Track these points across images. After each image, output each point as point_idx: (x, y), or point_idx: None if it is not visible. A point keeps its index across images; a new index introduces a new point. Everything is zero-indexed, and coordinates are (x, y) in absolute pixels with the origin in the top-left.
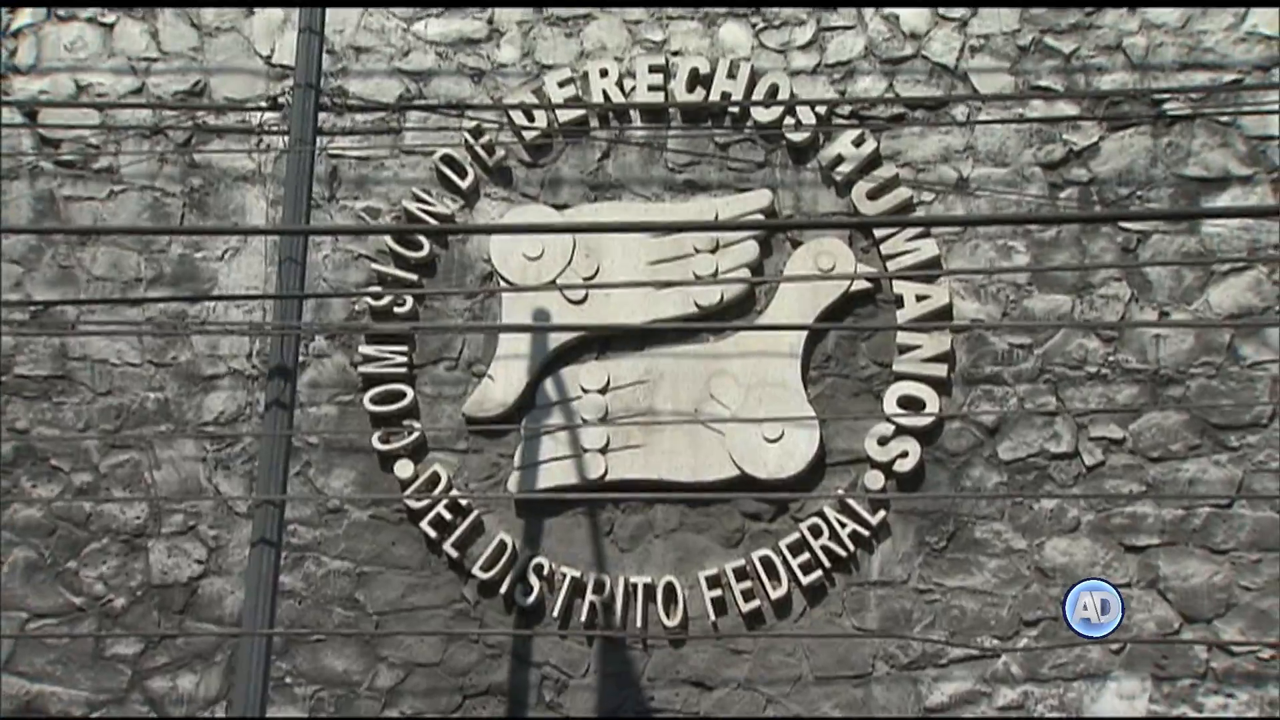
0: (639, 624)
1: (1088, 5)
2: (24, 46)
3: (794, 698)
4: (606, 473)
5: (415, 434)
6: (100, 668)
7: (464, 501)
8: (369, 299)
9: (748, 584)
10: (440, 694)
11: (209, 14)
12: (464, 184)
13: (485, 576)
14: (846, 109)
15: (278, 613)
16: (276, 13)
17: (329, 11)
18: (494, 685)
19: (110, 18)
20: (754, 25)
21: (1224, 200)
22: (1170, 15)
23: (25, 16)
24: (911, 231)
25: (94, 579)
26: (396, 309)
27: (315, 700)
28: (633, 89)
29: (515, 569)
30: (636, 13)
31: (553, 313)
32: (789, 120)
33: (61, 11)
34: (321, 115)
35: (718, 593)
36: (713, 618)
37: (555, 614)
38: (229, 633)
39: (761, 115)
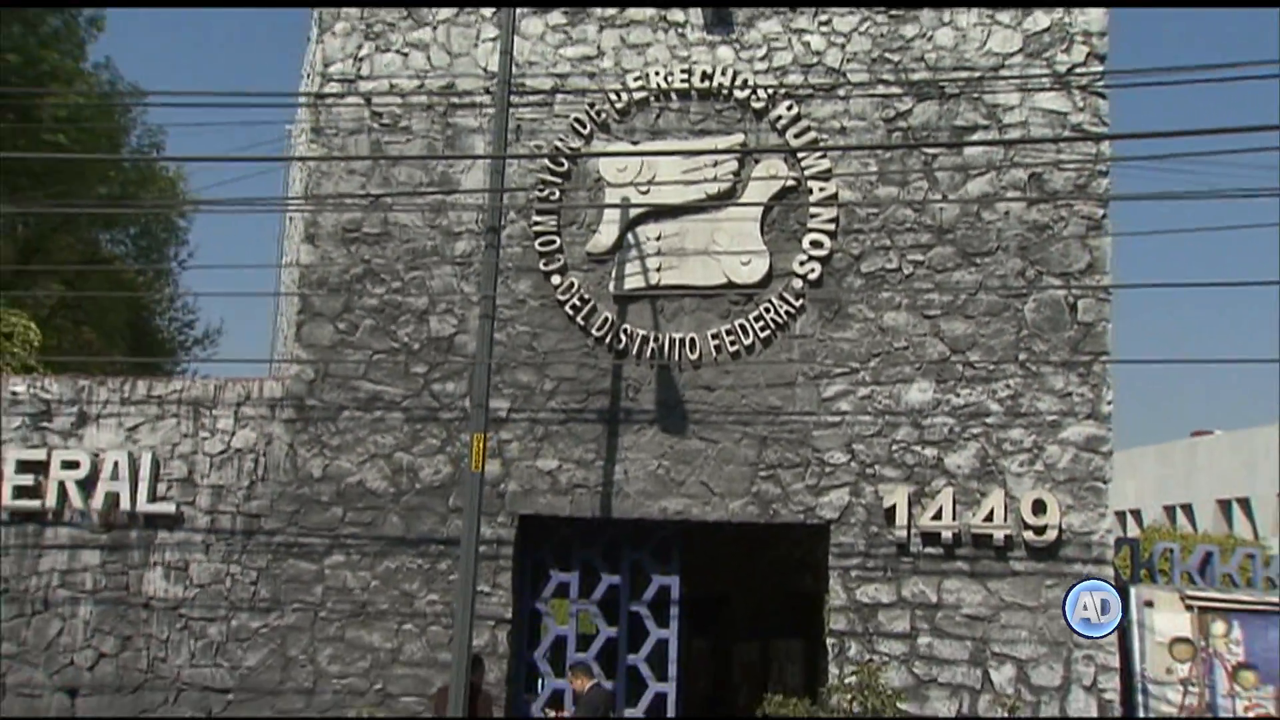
0: (677, 358)
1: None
2: (364, 64)
3: (755, 395)
4: (660, 281)
5: (561, 261)
6: (407, 379)
7: (587, 295)
8: (537, 191)
9: (733, 337)
10: (576, 394)
11: (455, 44)
12: (585, 132)
13: (598, 335)
14: (783, 91)
15: (493, 350)
16: (490, 44)
17: (515, 41)
18: (603, 389)
19: (407, 50)
20: (735, 48)
21: (976, 137)
22: (948, 41)
23: (366, 50)
24: (817, 154)
25: (402, 334)
26: (551, 198)
27: (512, 395)
28: (672, 80)
29: (613, 330)
30: (675, 41)
31: (631, 197)
32: (753, 96)
33: (381, 45)
34: (512, 97)
35: (717, 342)
36: (714, 355)
37: (635, 352)
38: (470, 361)
39: (739, 94)
